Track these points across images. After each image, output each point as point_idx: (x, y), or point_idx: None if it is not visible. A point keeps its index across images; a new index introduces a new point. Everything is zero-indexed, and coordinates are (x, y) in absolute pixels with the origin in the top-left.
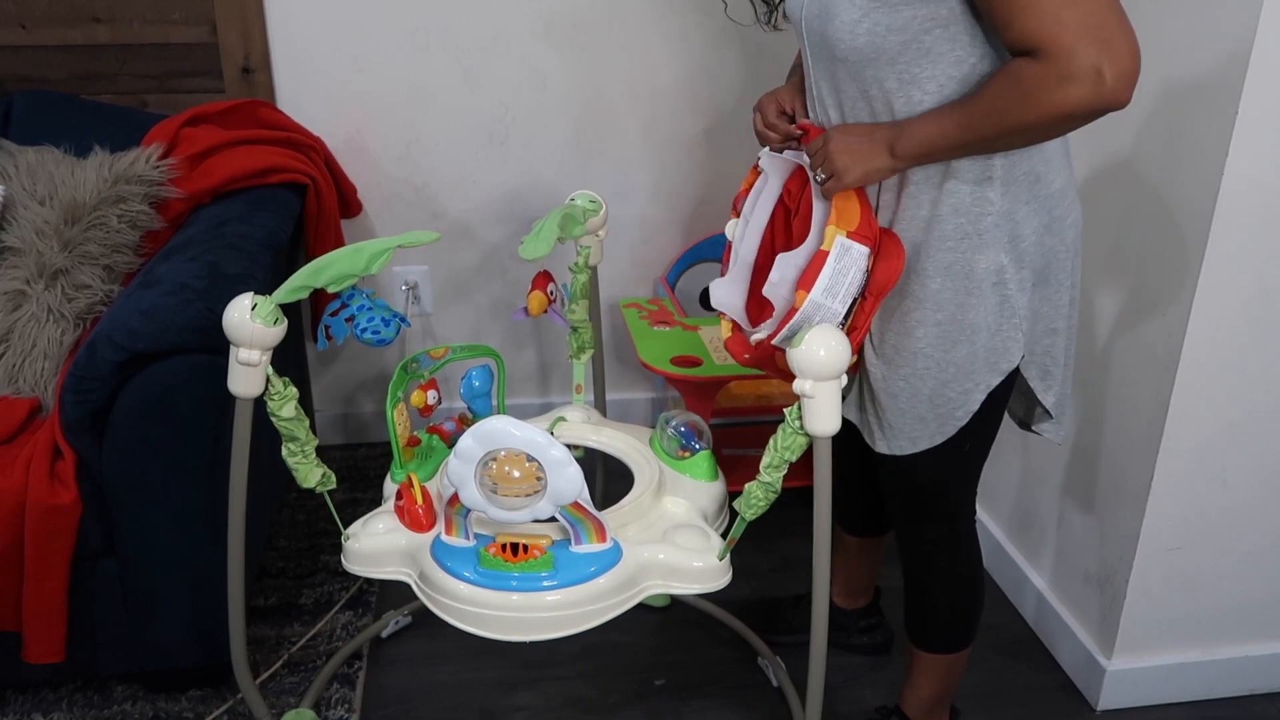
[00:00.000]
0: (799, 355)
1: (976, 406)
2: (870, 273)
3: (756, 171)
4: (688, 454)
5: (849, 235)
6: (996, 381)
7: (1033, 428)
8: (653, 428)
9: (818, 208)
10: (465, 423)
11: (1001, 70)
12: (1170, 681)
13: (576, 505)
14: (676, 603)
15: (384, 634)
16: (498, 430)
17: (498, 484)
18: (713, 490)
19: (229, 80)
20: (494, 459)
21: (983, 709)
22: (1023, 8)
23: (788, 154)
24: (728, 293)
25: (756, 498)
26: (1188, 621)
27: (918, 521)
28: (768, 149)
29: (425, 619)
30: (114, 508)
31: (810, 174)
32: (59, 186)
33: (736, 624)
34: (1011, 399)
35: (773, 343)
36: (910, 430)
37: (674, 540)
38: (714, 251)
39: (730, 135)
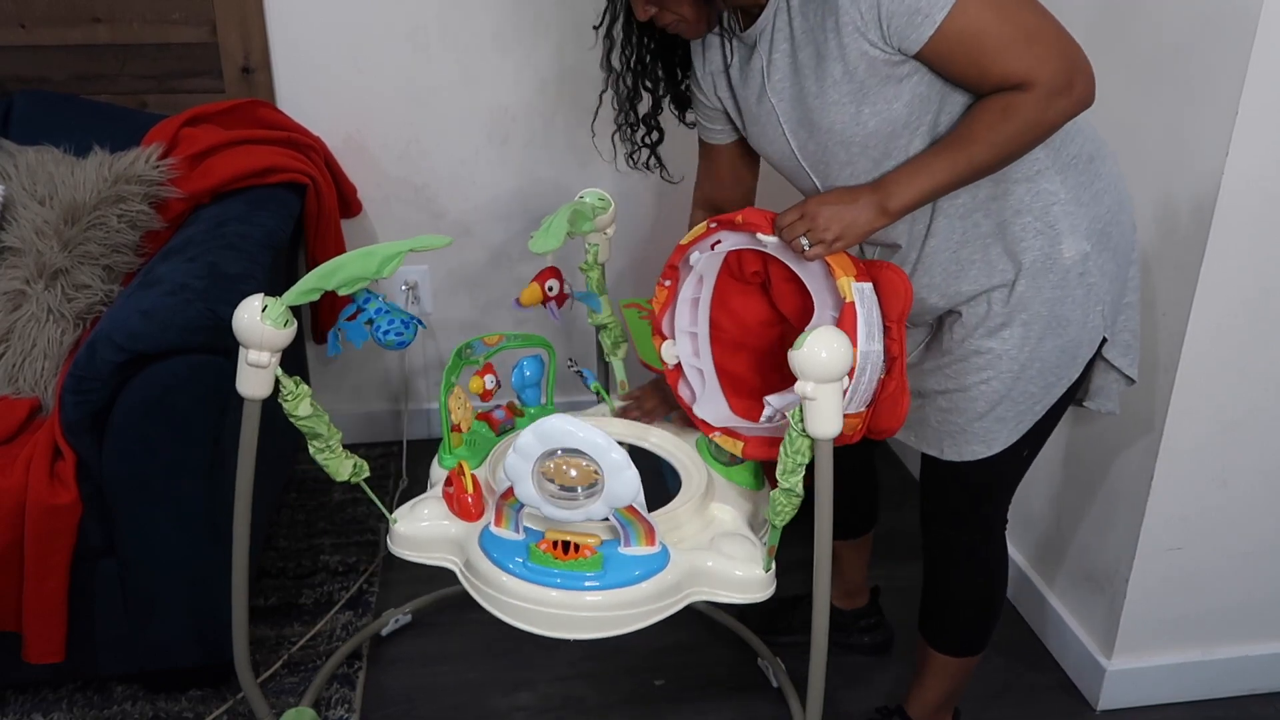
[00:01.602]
0: (800, 358)
1: (1054, 400)
2: (881, 307)
3: (665, 288)
4: (736, 461)
5: (856, 279)
6: (1075, 375)
7: (1085, 404)
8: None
9: (806, 274)
10: (514, 411)
11: (982, 109)
12: (1170, 681)
13: (630, 509)
14: None
15: (384, 632)
16: (559, 430)
17: (555, 481)
18: (758, 499)
19: (229, 80)
20: (552, 457)
21: (983, 709)
22: (995, 58)
23: (720, 245)
24: (713, 411)
25: (781, 504)
26: (1188, 621)
27: (955, 525)
28: (695, 253)
29: (425, 618)
30: (114, 508)
31: (772, 247)
32: (59, 186)
33: (736, 624)
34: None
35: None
36: (987, 433)
37: (721, 548)
38: None
39: None
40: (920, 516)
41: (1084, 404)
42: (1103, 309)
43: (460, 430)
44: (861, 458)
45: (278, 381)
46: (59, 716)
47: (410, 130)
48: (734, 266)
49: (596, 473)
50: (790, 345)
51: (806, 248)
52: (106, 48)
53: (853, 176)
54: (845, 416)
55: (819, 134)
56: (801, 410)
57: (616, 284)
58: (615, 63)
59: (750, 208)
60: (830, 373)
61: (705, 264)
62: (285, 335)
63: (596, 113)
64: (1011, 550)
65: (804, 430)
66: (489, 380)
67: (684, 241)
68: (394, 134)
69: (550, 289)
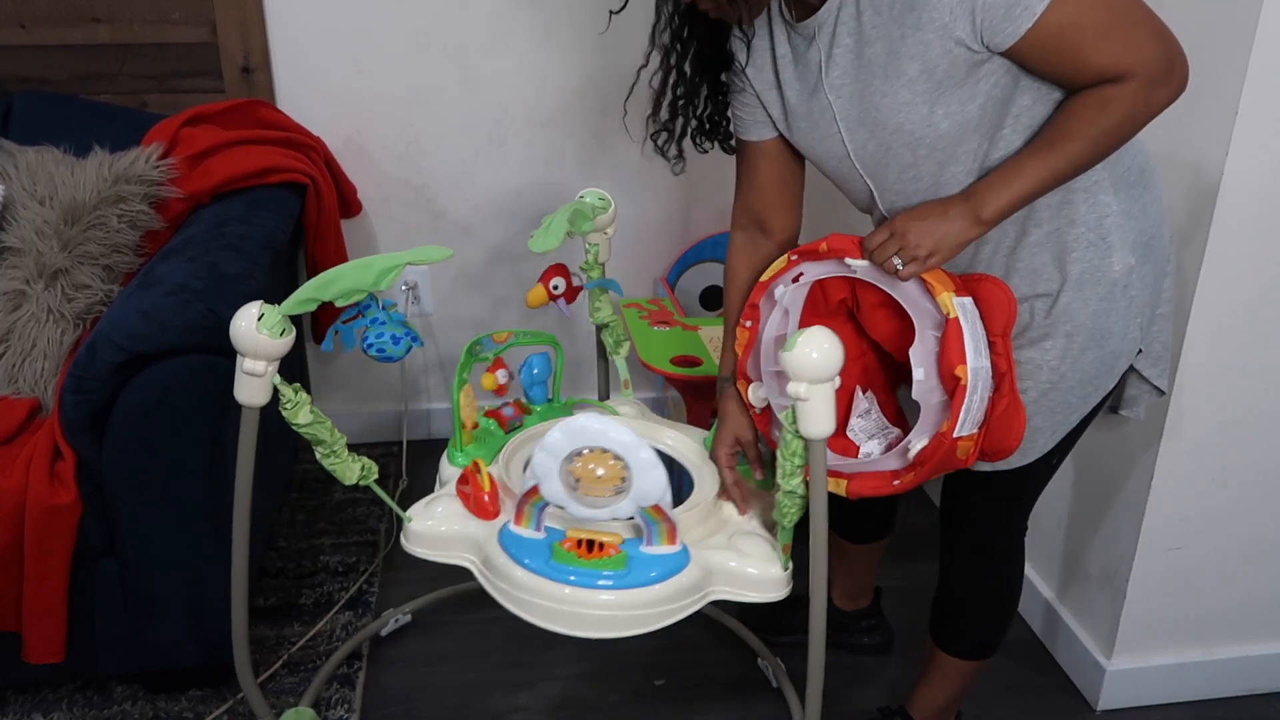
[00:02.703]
0: (792, 359)
1: (1089, 409)
2: (983, 319)
3: (746, 329)
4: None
5: (955, 294)
6: (1112, 385)
7: (1120, 411)
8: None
9: (903, 296)
10: (522, 408)
11: (1079, 104)
12: (1170, 681)
13: (656, 508)
14: None
15: (384, 632)
16: (589, 428)
17: (580, 480)
18: (767, 499)
19: (229, 80)
20: (579, 455)
21: (983, 709)
22: (1095, 49)
23: (804, 278)
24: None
25: (786, 506)
26: (1188, 621)
27: (980, 531)
28: (780, 287)
29: (425, 619)
30: (114, 508)
31: (863, 271)
32: (59, 186)
33: (736, 624)
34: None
35: (955, 435)
36: (1024, 443)
37: (739, 547)
38: (714, 252)
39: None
40: (941, 518)
41: (1120, 411)
42: (1141, 320)
43: (467, 428)
44: None
45: (277, 389)
46: (59, 716)
47: (410, 131)
48: (817, 298)
49: (624, 471)
50: (885, 378)
51: (900, 267)
52: (106, 48)
53: (915, 180)
54: (958, 440)
55: (882, 134)
56: (794, 411)
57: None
58: (661, 41)
59: (834, 234)
60: (821, 373)
61: (791, 299)
62: (282, 344)
63: (631, 89)
64: None
65: (797, 432)
66: (501, 375)
67: (765, 278)
68: (394, 134)
69: (556, 287)
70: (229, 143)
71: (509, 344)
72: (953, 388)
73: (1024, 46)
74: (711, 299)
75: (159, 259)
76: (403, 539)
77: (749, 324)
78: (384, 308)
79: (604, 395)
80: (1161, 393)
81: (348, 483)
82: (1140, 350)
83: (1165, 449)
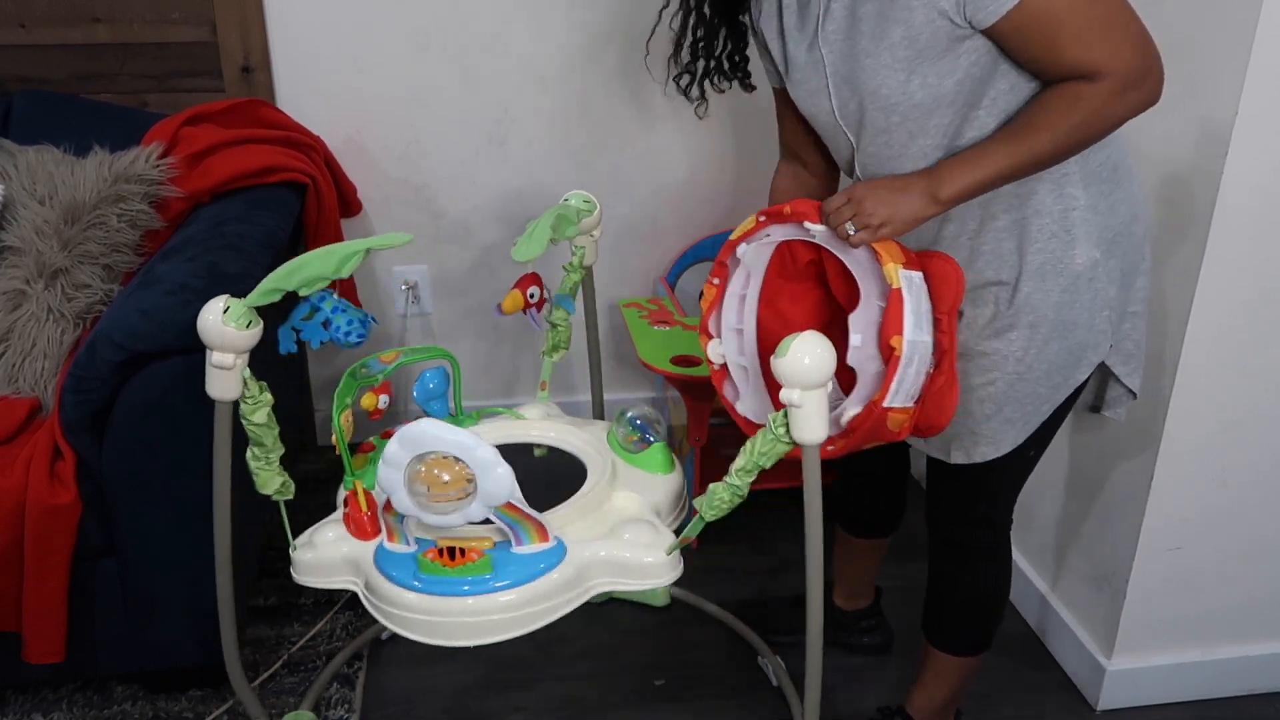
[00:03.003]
0: (785, 365)
1: (1061, 401)
2: (931, 298)
3: (714, 286)
4: (645, 446)
5: (904, 267)
6: (1083, 377)
7: (1103, 411)
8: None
9: (853, 262)
10: None
11: (1051, 97)
12: (1170, 681)
13: (510, 506)
14: (677, 602)
15: (383, 636)
16: (423, 433)
17: (429, 488)
18: (668, 483)
19: (229, 80)
20: (422, 463)
21: (983, 708)
22: (1073, 41)
23: (771, 234)
24: (756, 409)
25: (721, 499)
26: (1188, 621)
27: (963, 525)
28: (743, 245)
29: None
30: (114, 508)
31: (820, 235)
32: (59, 186)
33: (736, 624)
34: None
35: (885, 404)
36: (996, 435)
37: (621, 535)
38: (713, 251)
39: (730, 135)
40: (925, 516)
41: (1103, 412)
42: (1110, 314)
43: (364, 451)
44: (892, 461)
45: (246, 383)
46: (59, 716)
47: (410, 130)
48: (787, 261)
49: (469, 473)
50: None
51: (851, 233)
52: (106, 47)
53: (886, 145)
54: (891, 411)
55: (861, 95)
56: (786, 416)
57: (617, 284)
58: None
59: (799, 198)
60: (814, 379)
61: (753, 258)
62: (248, 337)
63: (654, 30)
64: (1012, 550)
65: (789, 438)
66: (382, 400)
67: (733, 236)
68: (394, 134)
69: (532, 295)
70: (229, 142)
71: (397, 364)
72: (888, 357)
73: (1005, 27)
74: None
75: (159, 258)
76: (292, 570)
77: (716, 281)
78: (336, 297)
79: (597, 397)
80: (1133, 395)
81: (263, 491)
82: (1112, 346)
83: (1165, 449)
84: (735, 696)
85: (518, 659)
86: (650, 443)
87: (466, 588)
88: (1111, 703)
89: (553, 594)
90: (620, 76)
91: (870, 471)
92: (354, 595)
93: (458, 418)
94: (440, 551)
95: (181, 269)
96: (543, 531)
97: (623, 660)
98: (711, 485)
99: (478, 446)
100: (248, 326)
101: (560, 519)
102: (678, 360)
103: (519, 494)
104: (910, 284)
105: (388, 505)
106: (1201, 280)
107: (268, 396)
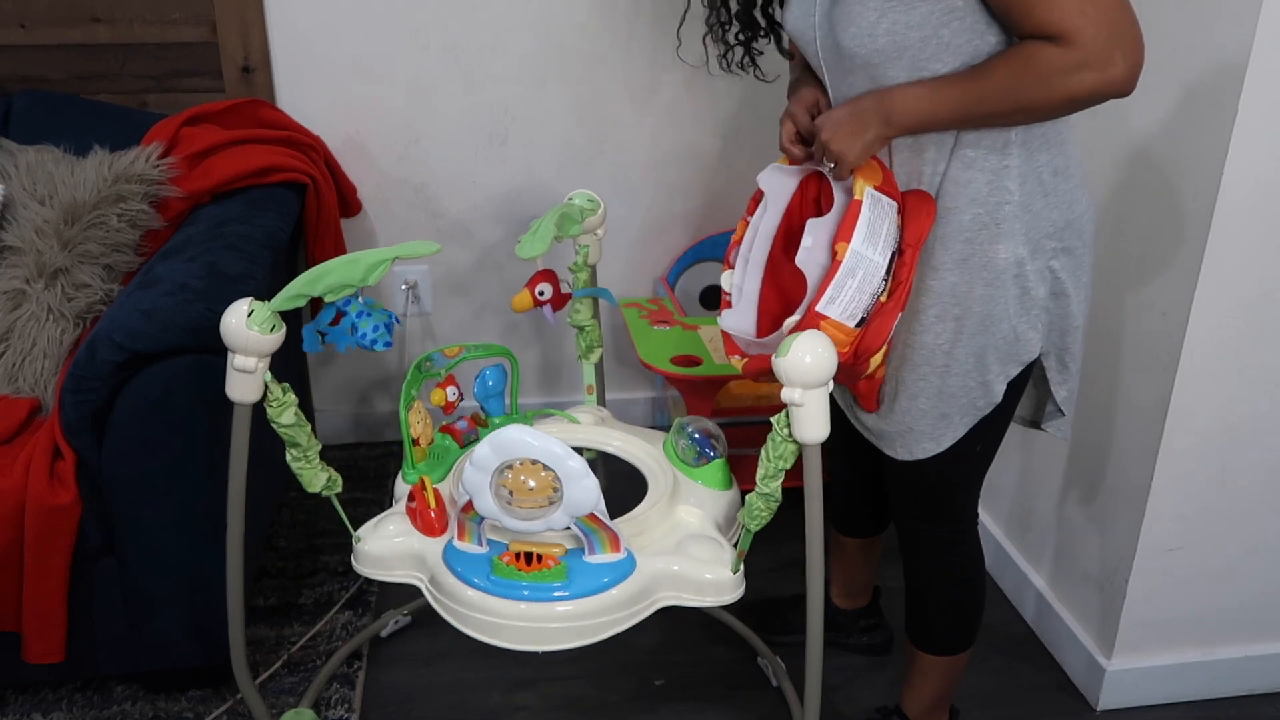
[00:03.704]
0: (786, 364)
1: (999, 396)
2: (901, 229)
3: (746, 222)
4: (704, 461)
5: (876, 189)
6: (1016, 371)
7: (1042, 425)
8: (663, 430)
9: (838, 194)
10: (478, 422)
11: (1013, 51)
12: (1170, 682)
13: (592, 517)
14: None
15: (384, 633)
16: (515, 440)
17: (513, 493)
18: (726, 499)
19: (229, 80)
20: (510, 468)
21: (983, 709)
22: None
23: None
24: (736, 321)
25: (759, 508)
26: (1187, 621)
27: (923, 522)
28: (768, 169)
29: (425, 619)
30: (114, 508)
31: (824, 170)
32: (59, 186)
33: (736, 624)
34: (1021, 397)
35: (819, 309)
36: (934, 430)
37: (688, 551)
38: (714, 251)
39: (730, 134)
40: (893, 516)
41: (1043, 426)
42: (1040, 315)
43: (421, 445)
44: (880, 460)
45: (267, 386)
46: (59, 716)
47: (410, 130)
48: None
49: (556, 482)
50: None
51: (830, 168)
52: (106, 47)
53: (849, 88)
54: (823, 318)
55: (834, 33)
56: (788, 415)
57: (617, 284)
58: None
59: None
60: (816, 378)
61: (772, 183)
62: (272, 340)
63: (684, 16)
64: (1011, 550)
65: (790, 436)
66: (451, 392)
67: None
68: (394, 134)
69: (542, 293)
70: (229, 142)
71: (460, 359)
72: (828, 266)
73: None
74: (711, 299)
75: (159, 258)
76: (353, 560)
77: (749, 217)
78: (363, 301)
79: (600, 397)
80: (1060, 410)
81: (310, 490)
82: (1047, 352)
83: (1165, 449)
84: (735, 696)
85: (518, 659)
86: (711, 458)
87: (559, 593)
88: (1111, 703)
89: (624, 605)
90: (620, 76)
91: (859, 471)
92: (354, 595)
93: (512, 416)
94: (516, 556)
95: (181, 269)
96: (616, 542)
97: (623, 660)
98: (748, 497)
99: (568, 457)
100: (271, 330)
101: (629, 530)
102: (678, 360)
103: (603, 506)
104: (876, 203)
105: (468, 505)
106: (1201, 280)
107: (291, 397)
